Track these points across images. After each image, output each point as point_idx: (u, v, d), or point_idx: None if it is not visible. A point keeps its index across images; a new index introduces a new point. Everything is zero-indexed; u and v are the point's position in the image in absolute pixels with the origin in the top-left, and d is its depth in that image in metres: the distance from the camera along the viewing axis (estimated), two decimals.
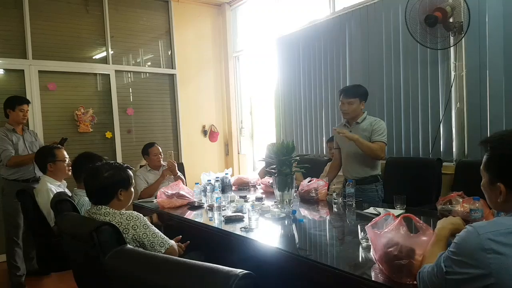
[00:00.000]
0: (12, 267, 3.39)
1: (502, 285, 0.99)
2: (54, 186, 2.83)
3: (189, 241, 2.23)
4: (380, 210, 2.36)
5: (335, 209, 2.61)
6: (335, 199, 2.67)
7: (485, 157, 1.20)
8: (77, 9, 4.56)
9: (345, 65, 4.08)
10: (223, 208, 2.68)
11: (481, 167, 1.21)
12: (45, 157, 2.94)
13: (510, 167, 1.13)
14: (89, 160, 2.61)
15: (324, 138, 4.36)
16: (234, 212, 2.53)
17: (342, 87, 3.19)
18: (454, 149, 3.26)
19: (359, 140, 2.76)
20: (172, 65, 5.27)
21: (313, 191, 2.85)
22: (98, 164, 2.03)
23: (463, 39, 3.07)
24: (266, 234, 2.14)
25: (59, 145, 3.24)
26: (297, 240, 2.05)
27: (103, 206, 1.90)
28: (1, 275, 3.63)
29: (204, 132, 5.60)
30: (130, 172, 2.04)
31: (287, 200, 2.54)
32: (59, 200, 2.36)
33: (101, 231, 1.53)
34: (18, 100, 3.48)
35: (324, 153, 4.36)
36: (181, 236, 2.24)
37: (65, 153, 3.03)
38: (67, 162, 2.99)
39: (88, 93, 4.64)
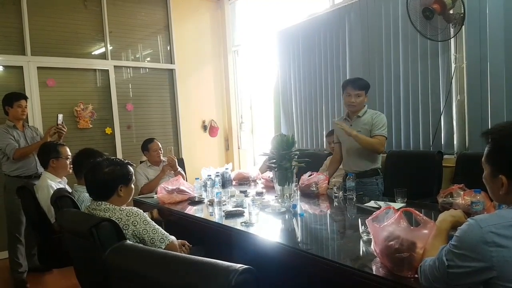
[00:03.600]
0: (14, 263, 3.39)
1: (504, 278, 0.99)
2: (55, 183, 2.84)
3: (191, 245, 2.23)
4: (381, 203, 2.36)
5: (335, 203, 2.61)
6: (335, 193, 2.67)
7: (486, 149, 1.19)
8: (75, 4, 4.53)
9: (345, 58, 4.06)
10: (224, 203, 2.67)
11: (483, 159, 1.20)
12: (49, 153, 2.94)
13: None
14: (89, 156, 2.61)
15: (324, 132, 4.34)
16: (235, 207, 2.53)
17: (343, 80, 3.17)
18: (455, 142, 3.25)
19: (357, 136, 2.76)
20: (171, 60, 5.24)
21: (314, 185, 2.85)
22: (99, 160, 2.03)
23: (463, 31, 3.05)
24: (267, 228, 2.14)
25: (63, 143, 3.23)
26: (297, 235, 2.05)
27: (103, 202, 1.90)
28: (3, 272, 3.64)
29: (204, 127, 5.59)
30: (131, 168, 2.03)
31: (288, 195, 2.53)
32: (59, 197, 2.36)
33: (100, 227, 1.53)
34: (15, 96, 3.45)
35: (324, 147, 4.35)
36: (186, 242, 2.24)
37: (68, 150, 3.05)
38: (69, 160, 2.99)
39: (87, 89, 4.62)
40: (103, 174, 1.91)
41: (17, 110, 3.42)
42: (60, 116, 3.55)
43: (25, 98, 3.52)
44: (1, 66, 4.15)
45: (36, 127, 3.88)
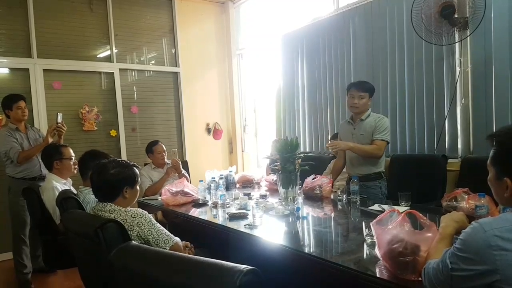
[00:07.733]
0: (18, 264, 3.41)
1: (507, 281, 0.99)
2: (60, 184, 2.85)
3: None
4: (385, 207, 2.35)
5: (339, 206, 2.61)
6: (339, 196, 2.67)
7: (491, 151, 1.19)
8: (81, 7, 4.57)
9: (349, 61, 4.06)
10: (227, 206, 2.68)
11: (488, 161, 1.20)
12: (52, 155, 2.96)
13: None
14: (95, 157, 2.64)
15: (327, 135, 4.34)
16: (238, 210, 2.54)
17: (347, 84, 3.18)
18: (459, 146, 3.25)
19: (353, 148, 2.85)
20: (176, 63, 5.27)
21: (317, 188, 2.85)
22: (105, 161, 2.04)
23: (467, 34, 3.05)
24: (270, 231, 2.14)
25: (65, 144, 3.25)
26: (301, 237, 2.05)
27: (109, 203, 1.91)
28: (8, 273, 3.66)
29: (208, 130, 5.61)
30: (136, 170, 2.04)
31: (291, 197, 2.53)
32: (65, 198, 2.37)
33: (106, 228, 1.54)
34: (13, 99, 3.44)
35: (328, 150, 4.34)
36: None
37: (71, 151, 3.06)
38: (73, 161, 3.01)
39: (92, 91, 4.65)
40: (109, 176, 1.92)
41: (17, 112, 3.43)
42: (60, 115, 3.55)
43: (23, 98, 3.50)
44: (8, 69, 4.20)
45: (39, 128, 3.89)
